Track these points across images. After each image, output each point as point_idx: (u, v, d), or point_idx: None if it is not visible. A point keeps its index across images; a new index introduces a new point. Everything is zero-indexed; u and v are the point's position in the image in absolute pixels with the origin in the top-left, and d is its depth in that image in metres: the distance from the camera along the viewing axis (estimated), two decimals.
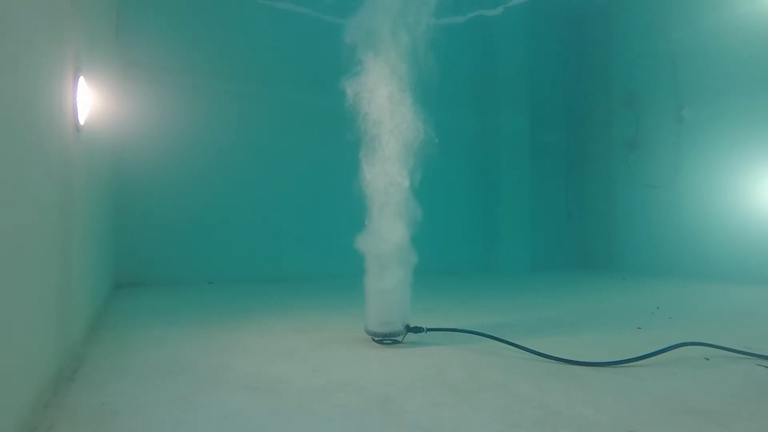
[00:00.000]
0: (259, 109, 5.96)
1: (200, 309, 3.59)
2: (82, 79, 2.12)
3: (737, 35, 6.14)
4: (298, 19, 6.14)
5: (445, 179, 7.00)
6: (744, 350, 2.33)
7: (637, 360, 2.14)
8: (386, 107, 2.53)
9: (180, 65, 5.50)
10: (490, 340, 2.47)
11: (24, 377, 1.32)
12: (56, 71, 1.68)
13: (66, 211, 1.89)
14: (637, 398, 1.69)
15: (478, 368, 2.06)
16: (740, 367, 2.13)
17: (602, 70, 8.10)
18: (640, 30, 7.45)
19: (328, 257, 5.97)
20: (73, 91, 2.00)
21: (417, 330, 2.53)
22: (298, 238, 6.06)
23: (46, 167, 1.53)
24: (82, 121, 2.15)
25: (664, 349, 2.24)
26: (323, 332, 2.79)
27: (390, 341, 2.50)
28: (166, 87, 5.41)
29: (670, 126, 6.93)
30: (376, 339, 2.51)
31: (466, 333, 2.59)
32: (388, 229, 2.50)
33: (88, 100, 2.32)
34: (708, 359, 2.24)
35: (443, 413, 1.53)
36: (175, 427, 1.41)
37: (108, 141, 3.80)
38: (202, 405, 1.58)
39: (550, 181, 8.27)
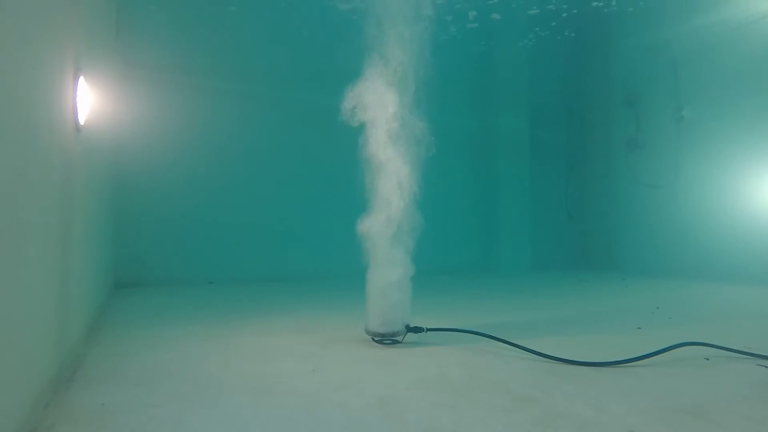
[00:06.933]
0: (259, 109, 5.96)
1: (200, 309, 3.59)
2: (82, 79, 2.12)
3: (737, 35, 6.14)
4: (298, 18, 6.14)
5: (445, 179, 7.00)
6: (744, 350, 2.33)
7: (637, 360, 2.14)
8: (386, 107, 2.52)
9: (180, 65, 5.50)
10: (490, 340, 2.47)
11: (24, 377, 1.32)
12: (56, 71, 1.68)
13: (66, 212, 1.89)
14: (637, 398, 1.69)
15: (478, 368, 2.06)
16: (740, 367, 2.13)
17: (602, 70, 8.10)
18: (640, 30, 7.45)
19: (328, 257, 5.97)
20: (73, 91, 2.00)
21: (417, 330, 2.53)
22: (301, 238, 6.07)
23: (46, 167, 1.53)
24: (82, 121, 2.15)
25: (664, 349, 2.24)
26: (323, 332, 2.79)
27: (390, 341, 2.50)
28: (166, 87, 5.41)
29: (670, 126, 6.93)
30: (376, 339, 2.51)
31: (466, 333, 2.59)
32: (388, 229, 2.50)
33: (88, 100, 2.32)
34: (708, 359, 2.24)
35: (443, 413, 1.53)
36: (175, 427, 1.41)
37: (108, 141, 3.80)
38: (202, 405, 1.58)
39: (550, 181, 8.28)
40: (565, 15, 7.49)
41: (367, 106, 2.53)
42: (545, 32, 7.87)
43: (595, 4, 7.22)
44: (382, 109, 2.51)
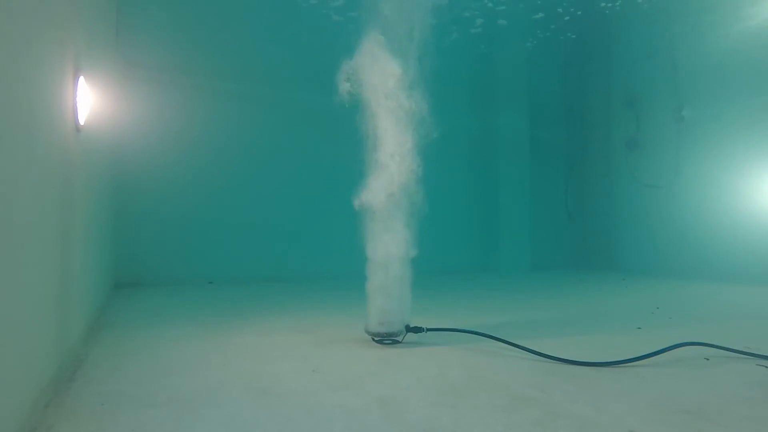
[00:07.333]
0: (259, 109, 5.97)
1: (200, 309, 3.59)
2: (82, 79, 2.12)
3: (737, 35, 6.15)
4: (298, 18, 6.14)
5: (445, 179, 7.00)
6: (744, 350, 2.33)
7: (637, 360, 2.14)
8: (386, 107, 2.52)
9: (180, 65, 5.50)
10: (490, 340, 2.47)
11: (24, 377, 1.32)
12: (56, 71, 1.68)
13: (66, 212, 1.89)
14: (637, 398, 1.69)
15: (478, 368, 2.06)
16: (740, 367, 2.13)
17: (602, 70, 8.10)
18: (641, 30, 7.45)
19: (328, 257, 5.97)
20: (73, 91, 2.00)
21: (417, 330, 2.53)
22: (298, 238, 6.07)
23: (46, 167, 1.53)
24: (82, 121, 2.15)
25: (664, 349, 2.24)
26: (323, 332, 2.79)
27: (390, 341, 2.50)
28: (166, 87, 5.41)
29: (670, 126, 6.93)
30: (376, 339, 2.51)
31: (466, 333, 2.59)
32: (388, 230, 2.49)
33: (88, 100, 2.32)
34: (708, 359, 2.24)
35: (443, 413, 1.53)
36: (175, 427, 1.41)
37: (108, 141, 3.80)
38: (202, 405, 1.58)
39: (550, 181, 8.28)
40: (567, 18, 7.48)
41: (366, 105, 2.52)
42: (546, 34, 7.87)
43: (603, 5, 7.21)
44: (381, 107, 2.51)
